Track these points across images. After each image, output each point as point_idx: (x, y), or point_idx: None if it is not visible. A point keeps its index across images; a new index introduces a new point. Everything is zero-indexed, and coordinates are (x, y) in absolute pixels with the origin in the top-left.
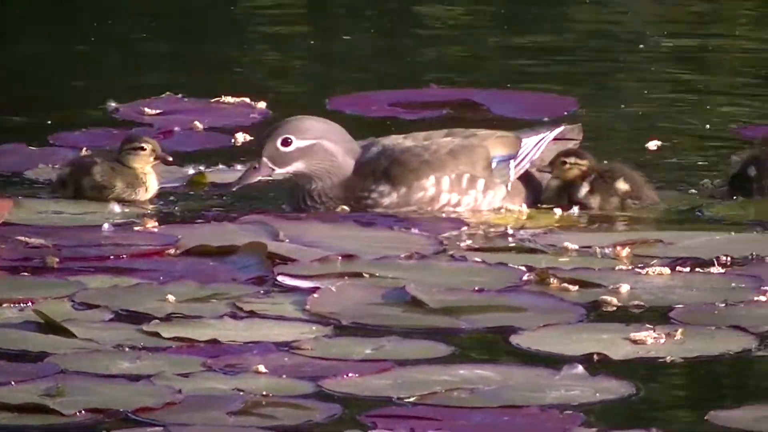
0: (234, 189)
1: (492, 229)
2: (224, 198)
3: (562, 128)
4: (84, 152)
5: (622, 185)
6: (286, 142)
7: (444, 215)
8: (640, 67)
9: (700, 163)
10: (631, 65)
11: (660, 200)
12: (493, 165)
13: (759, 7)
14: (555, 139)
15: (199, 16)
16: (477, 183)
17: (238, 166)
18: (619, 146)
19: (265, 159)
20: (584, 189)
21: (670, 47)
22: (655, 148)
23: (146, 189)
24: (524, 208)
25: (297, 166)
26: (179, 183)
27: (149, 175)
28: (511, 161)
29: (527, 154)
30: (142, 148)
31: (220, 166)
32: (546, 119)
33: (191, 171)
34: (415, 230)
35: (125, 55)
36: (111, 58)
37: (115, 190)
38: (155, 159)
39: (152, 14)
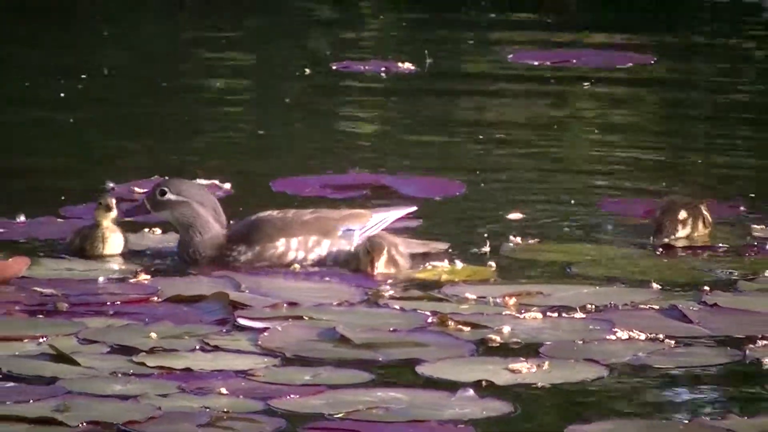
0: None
1: (414, 283)
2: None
3: (414, 208)
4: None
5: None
6: (162, 193)
7: (376, 272)
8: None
9: (566, 228)
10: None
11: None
12: (340, 233)
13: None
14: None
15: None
16: (322, 243)
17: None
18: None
19: (145, 201)
20: (383, 260)
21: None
22: (516, 218)
23: (105, 245)
24: (446, 265)
25: (166, 214)
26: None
27: (111, 232)
28: (356, 231)
29: (372, 227)
30: (99, 203)
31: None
32: (438, 198)
33: None
34: (348, 282)
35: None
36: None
37: (75, 243)
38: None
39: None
